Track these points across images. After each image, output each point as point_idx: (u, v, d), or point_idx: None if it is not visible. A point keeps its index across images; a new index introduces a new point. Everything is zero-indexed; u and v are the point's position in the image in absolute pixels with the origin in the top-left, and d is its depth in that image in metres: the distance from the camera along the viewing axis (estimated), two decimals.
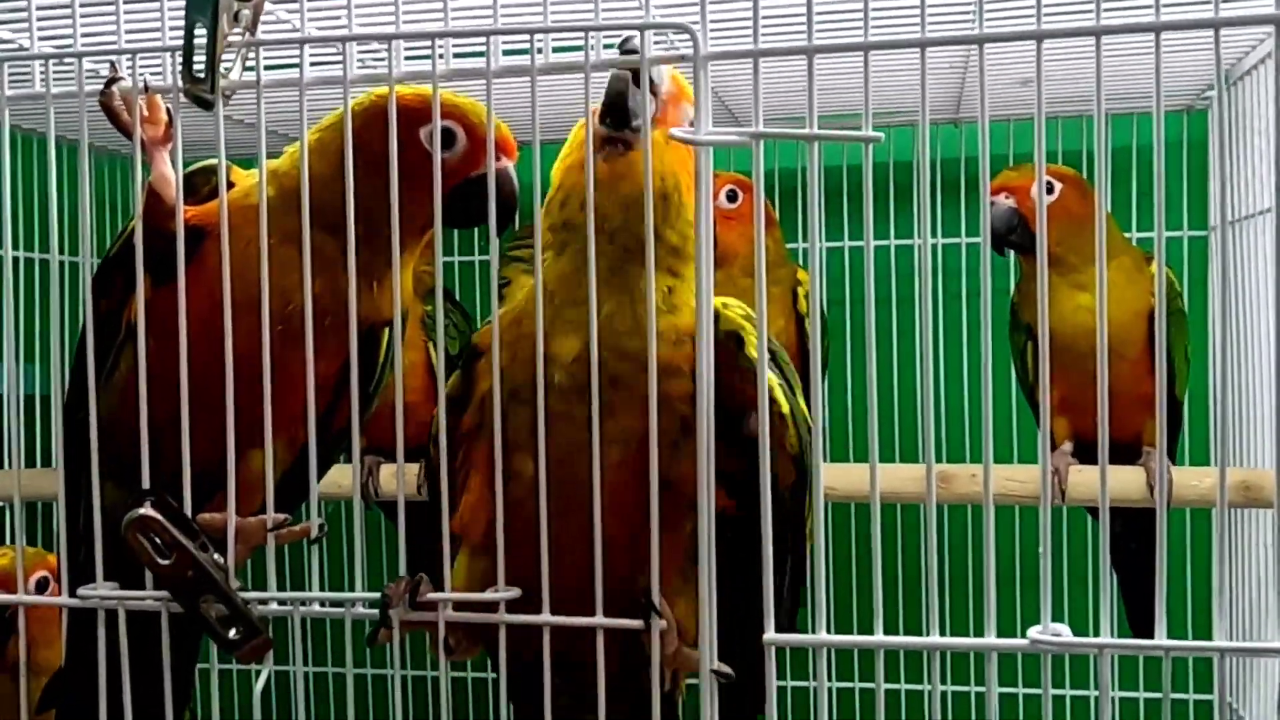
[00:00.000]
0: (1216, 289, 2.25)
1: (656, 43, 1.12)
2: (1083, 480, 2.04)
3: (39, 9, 1.24)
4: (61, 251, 1.23)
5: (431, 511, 1.20)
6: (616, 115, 1.12)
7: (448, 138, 1.25)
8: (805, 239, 2.33)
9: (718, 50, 1.07)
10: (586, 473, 1.08)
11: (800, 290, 2.19)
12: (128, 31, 1.21)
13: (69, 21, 1.20)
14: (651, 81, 1.12)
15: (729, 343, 1.16)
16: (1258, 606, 2.08)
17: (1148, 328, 2.04)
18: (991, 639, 1.04)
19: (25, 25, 1.21)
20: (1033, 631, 1.03)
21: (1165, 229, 2.28)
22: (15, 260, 1.22)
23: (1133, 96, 2.23)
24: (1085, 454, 2.09)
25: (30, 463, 2.20)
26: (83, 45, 1.19)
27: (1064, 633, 1.03)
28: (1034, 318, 2.09)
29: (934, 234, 2.47)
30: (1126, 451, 2.04)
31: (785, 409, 1.18)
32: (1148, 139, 2.38)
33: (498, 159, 1.21)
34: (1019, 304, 2.24)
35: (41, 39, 1.25)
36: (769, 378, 1.10)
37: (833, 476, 2.00)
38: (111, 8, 1.20)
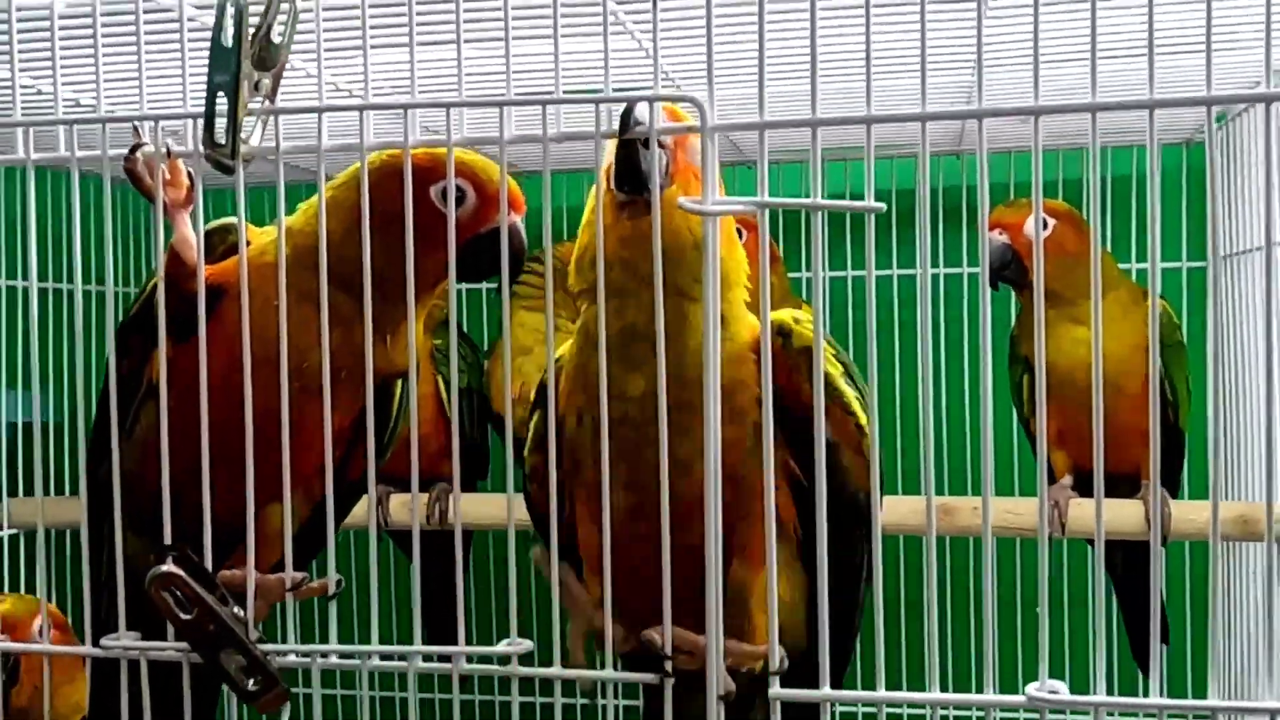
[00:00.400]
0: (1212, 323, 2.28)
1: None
2: (1083, 514, 2.07)
3: (63, 70, 1.27)
4: (85, 281, 1.26)
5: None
6: (632, 181, 1.15)
7: (458, 195, 1.28)
8: (809, 268, 2.37)
9: (725, 123, 1.10)
10: (672, 491, 1.13)
11: None
12: (150, 94, 1.25)
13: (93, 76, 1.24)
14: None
15: (800, 358, 1.22)
16: (1255, 640, 2.11)
17: (1146, 360, 2.07)
18: (990, 695, 1.07)
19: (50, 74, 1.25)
20: (1030, 688, 1.06)
21: (1164, 260, 2.31)
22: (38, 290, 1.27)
23: (1132, 130, 2.26)
24: (1086, 486, 2.12)
25: (46, 489, 2.23)
26: (106, 109, 1.23)
27: (1061, 690, 1.06)
28: (1032, 351, 2.13)
29: (934, 264, 2.51)
30: (1127, 484, 2.07)
31: (863, 420, 1.26)
32: (1147, 169, 2.42)
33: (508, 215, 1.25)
34: (1018, 337, 2.26)
35: (64, 82, 1.27)
36: (847, 391, 1.25)
37: None
38: (134, 71, 1.23)
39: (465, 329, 2.56)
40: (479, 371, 2.43)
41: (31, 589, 2.04)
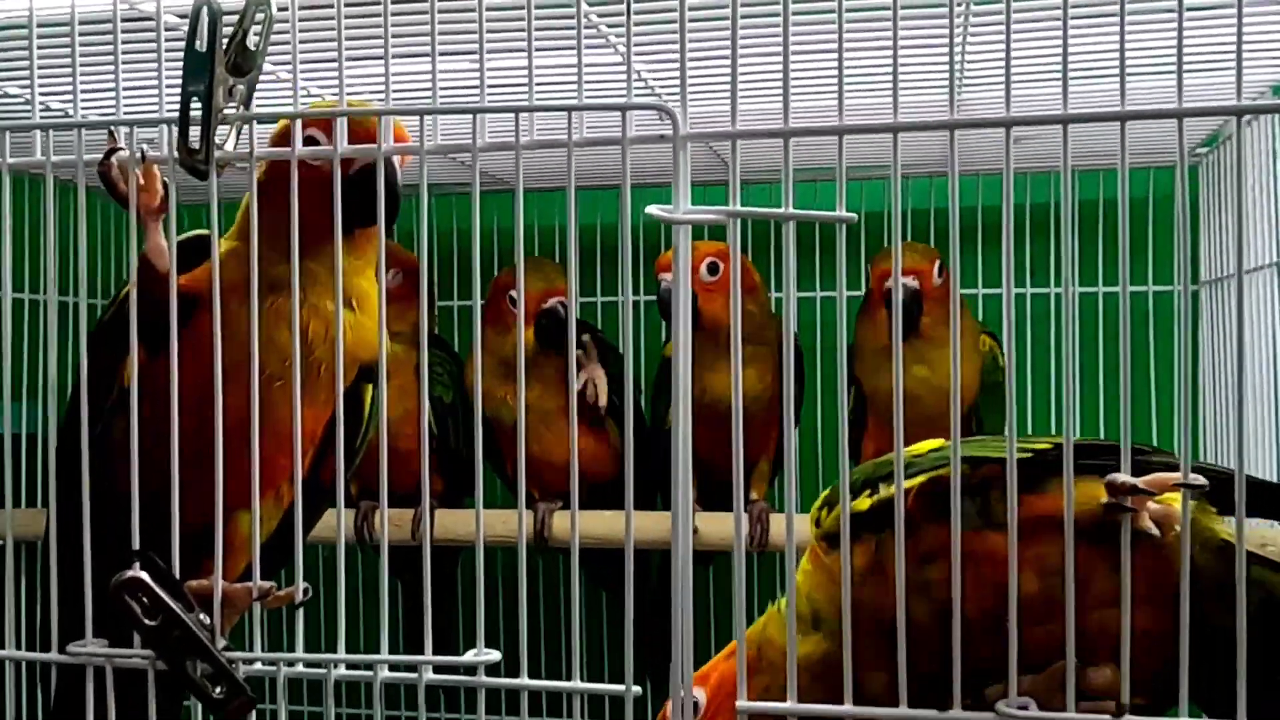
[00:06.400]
0: (1205, 348, 2.29)
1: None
2: None
3: (41, 77, 1.26)
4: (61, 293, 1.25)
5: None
6: None
7: (314, 143, 1.27)
8: (780, 289, 2.38)
9: (696, 131, 1.10)
10: None
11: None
12: (129, 102, 1.24)
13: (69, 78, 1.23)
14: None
15: None
16: None
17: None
18: (958, 713, 1.06)
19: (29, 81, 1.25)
20: (1000, 704, 1.05)
21: (1154, 284, 2.33)
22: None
23: (1105, 154, 2.25)
24: None
25: (17, 502, 2.21)
26: (83, 111, 1.22)
27: (1031, 706, 1.05)
28: (864, 372, 2.12)
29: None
30: None
31: None
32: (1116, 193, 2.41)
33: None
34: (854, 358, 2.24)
35: (42, 90, 1.27)
36: None
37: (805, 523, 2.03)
38: (112, 79, 1.23)
39: (456, 347, 2.55)
40: (462, 384, 2.42)
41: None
